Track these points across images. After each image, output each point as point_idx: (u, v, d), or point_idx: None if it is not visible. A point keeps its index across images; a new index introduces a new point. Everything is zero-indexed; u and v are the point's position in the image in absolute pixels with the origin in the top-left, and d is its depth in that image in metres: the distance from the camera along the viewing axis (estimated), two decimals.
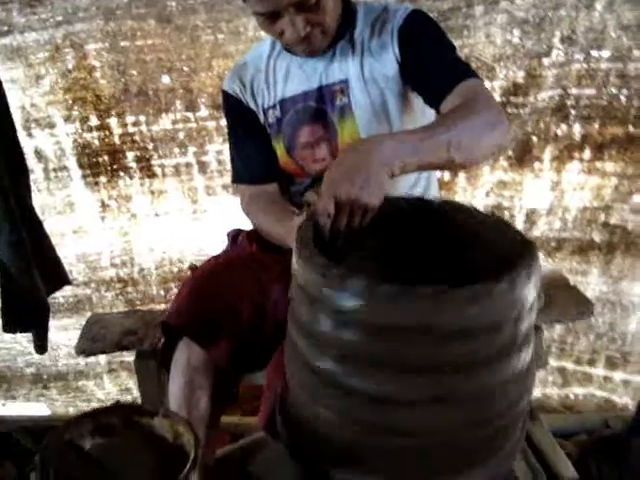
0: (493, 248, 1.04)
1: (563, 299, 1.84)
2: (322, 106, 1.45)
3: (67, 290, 2.29)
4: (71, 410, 2.65)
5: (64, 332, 2.45)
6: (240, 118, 1.55)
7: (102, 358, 2.54)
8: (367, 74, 1.40)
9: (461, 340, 0.85)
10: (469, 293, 0.82)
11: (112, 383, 2.59)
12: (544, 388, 2.57)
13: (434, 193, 1.61)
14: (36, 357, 2.51)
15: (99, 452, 0.98)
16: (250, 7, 1.30)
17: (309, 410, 1.00)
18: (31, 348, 2.47)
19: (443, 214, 1.13)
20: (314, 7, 1.27)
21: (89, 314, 2.34)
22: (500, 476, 1.02)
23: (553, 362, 2.52)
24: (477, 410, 0.91)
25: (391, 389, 0.89)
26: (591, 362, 2.49)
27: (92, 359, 2.53)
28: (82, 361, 2.52)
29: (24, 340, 2.45)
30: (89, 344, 1.73)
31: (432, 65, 1.31)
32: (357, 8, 1.42)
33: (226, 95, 1.53)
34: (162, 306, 2.33)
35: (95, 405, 2.69)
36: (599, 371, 2.50)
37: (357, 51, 1.40)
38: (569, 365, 2.52)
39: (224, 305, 1.38)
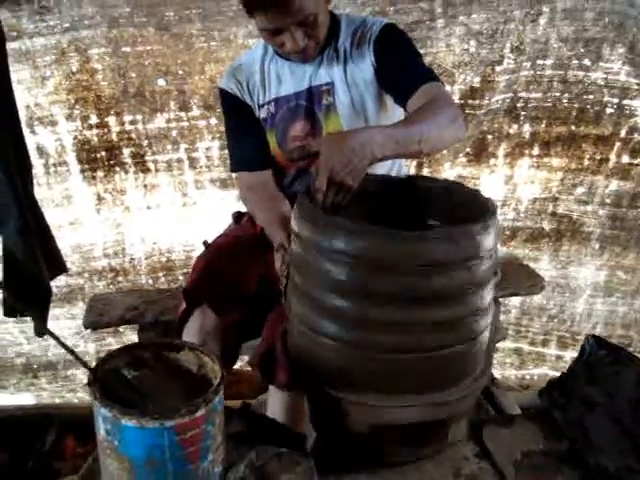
0: (460, 206, 1.24)
1: (517, 275, 2.07)
2: (311, 105, 1.62)
3: (61, 280, 2.42)
4: (57, 400, 2.75)
5: (55, 321, 2.53)
6: (238, 112, 1.68)
7: (91, 347, 2.65)
8: (349, 78, 1.57)
9: (436, 274, 1.03)
10: (441, 234, 1.03)
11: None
12: (503, 370, 2.78)
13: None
14: (26, 347, 2.61)
15: (135, 381, 1.08)
16: (256, 23, 1.47)
17: (308, 337, 1.17)
18: (22, 339, 2.60)
19: (414, 184, 1.34)
20: (312, 24, 1.44)
21: (81, 304, 2.49)
22: (473, 393, 1.21)
23: (510, 344, 2.74)
24: (453, 334, 1.10)
25: (376, 314, 1.06)
26: (544, 343, 2.72)
27: (81, 348, 2.64)
28: None
29: (15, 330, 2.56)
30: (96, 318, 1.88)
31: (400, 70, 1.48)
32: (340, 20, 1.60)
33: (224, 93, 1.67)
34: None
35: (82, 395, 2.79)
36: (552, 351, 2.73)
37: (341, 58, 1.57)
38: (525, 346, 2.75)
39: (235, 278, 1.56)
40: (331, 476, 1.19)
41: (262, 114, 1.68)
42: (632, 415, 1.22)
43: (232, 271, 1.58)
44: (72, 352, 1.05)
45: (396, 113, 1.65)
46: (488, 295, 1.16)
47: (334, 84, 1.58)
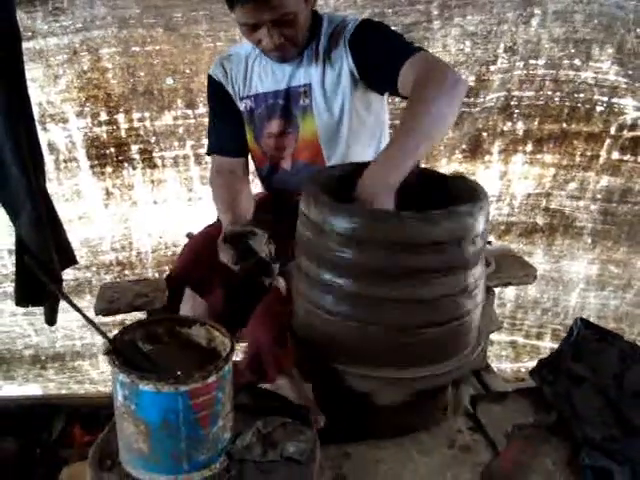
0: (455, 192, 1.31)
1: (510, 265, 2.12)
2: (288, 104, 1.65)
3: (69, 274, 2.47)
4: (64, 391, 2.81)
5: (62, 314, 2.60)
6: (219, 99, 1.74)
7: (98, 338, 2.71)
8: (327, 82, 1.58)
9: (432, 252, 1.12)
10: (439, 215, 1.12)
11: (106, 363, 2.74)
12: (499, 363, 2.84)
13: None
14: (35, 339, 2.68)
15: (150, 354, 1.16)
16: (236, 17, 1.51)
17: (313, 314, 1.26)
18: (30, 331, 2.66)
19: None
20: (289, 23, 1.46)
21: (88, 297, 2.54)
22: (464, 367, 1.30)
23: (505, 337, 2.80)
24: (446, 310, 1.19)
25: (379, 292, 1.15)
26: (539, 335, 2.79)
27: (88, 340, 2.71)
28: (78, 342, 2.70)
29: (24, 323, 2.62)
30: (106, 305, 1.93)
31: (380, 58, 1.46)
32: (322, 20, 1.60)
33: (210, 79, 1.74)
34: None
35: (88, 387, 2.85)
36: (546, 343, 2.80)
37: (319, 60, 1.58)
38: (520, 339, 2.82)
39: (218, 262, 1.60)
40: (332, 445, 1.27)
41: (241, 107, 1.75)
42: (616, 388, 1.29)
43: (215, 255, 1.62)
44: (92, 322, 1.13)
45: (379, 116, 1.69)
46: (481, 275, 1.23)
47: (311, 86, 1.60)
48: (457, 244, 1.14)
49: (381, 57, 1.46)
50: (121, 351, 1.09)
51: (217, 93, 1.75)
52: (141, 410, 1.03)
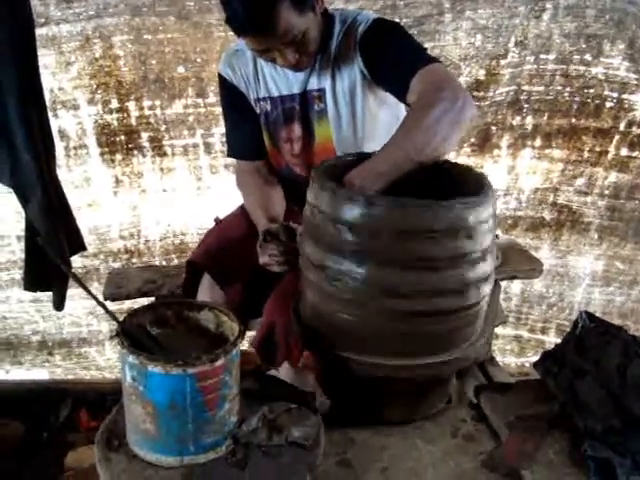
0: (462, 183, 1.31)
1: (517, 259, 2.14)
2: (304, 109, 1.61)
3: (76, 261, 2.46)
4: (70, 376, 2.83)
5: (70, 302, 2.61)
6: (233, 100, 1.69)
7: (104, 326, 2.73)
8: (340, 85, 1.55)
9: (440, 241, 1.12)
10: (448, 204, 1.12)
11: (113, 350, 2.78)
12: (503, 357, 2.84)
13: None
14: (42, 325, 2.70)
15: (159, 337, 1.18)
16: (246, 44, 1.47)
17: (321, 304, 1.27)
18: (38, 317, 2.69)
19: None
20: (301, 41, 1.41)
21: (96, 284, 2.56)
22: (469, 357, 1.31)
23: (511, 331, 2.81)
24: (453, 300, 1.19)
25: (386, 280, 1.15)
26: (544, 330, 2.79)
27: (95, 327, 2.73)
28: (85, 329, 2.72)
29: (31, 309, 2.64)
30: (115, 290, 1.97)
31: (390, 66, 1.41)
32: (334, 20, 1.53)
33: (221, 78, 1.69)
34: None
35: (94, 373, 2.88)
36: (551, 338, 2.80)
37: (331, 64, 1.54)
38: (525, 333, 2.82)
39: (241, 253, 1.62)
40: (336, 431, 1.29)
41: (256, 109, 1.68)
42: (618, 381, 1.29)
43: (240, 247, 1.64)
44: (102, 304, 1.14)
45: (395, 110, 1.65)
46: (490, 265, 1.24)
47: (325, 90, 1.57)
48: (466, 234, 1.15)
49: (392, 64, 1.41)
50: (130, 333, 1.11)
51: (230, 93, 1.70)
52: (149, 391, 1.05)
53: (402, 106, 1.66)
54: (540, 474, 1.17)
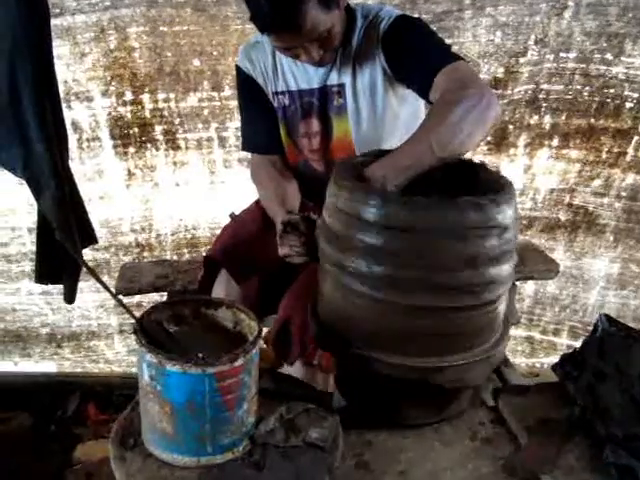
0: (485, 183, 1.30)
1: (533, 259, 2.13)
2: (323, 104, 1.63)
3: (87, 254, 2.45)
4: (78, 369, 2.82)
5: (79, 295, 2.60)
6: (251, 93, 1.67)
7: (114, 320, 2.72)
8: (360, 82, 1.54)
9: (463, 239, 1.11)
10: (469, 202, 1.10)
11: (122, 343, 2.78)
12: (514, 358, 2.81)
13: None
14: (51, 318, 2.70)
15: (176, 335, 1.17)
16: (269, 41, 1.46)
17: (339, 300, 1.25)
18: (47, 310, 2.68)
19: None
20: (326, 38, 1.40)
21: (106, 278, 2.55)
22: (492, 355, 1.28)
23: (522, 332, 2.79)
24: (475, 298, 1.17)
25: (405, 278, 1.14)
26: (556, 332, 2.77)
27: (104, 320, 2.72)
28: (94, 322, 2.72)
29: (41, 302, 2.64)
30: (128, 284, 1.96)
31: (413, 64, 1.39)
32: (356, 13, 1.52)
33: (239, 70, 1.67)
34: None
35: (103, 366, 2.87)
36: (563, 340, 2.78)
37: (352, 59, 1.52)
38: (537, 335, 2.80)
39: (259, 250, 1.62)
40: (353, 433, 1.27)
41: (274, 103, 1.69)
42: None
43: (257, 243, 1.64)
44: (119, 300, 1.13)
45: (416, 108, 1.64)
46: (509, 265, 1.22)
47: (345, 86, 1.56)
48: (485, 233, 1.13)
49: (416, 61, 1.39)
50: (147, 331, 1.10)
51: (248, 86, 1.68)
52: (167, 391, 1.03)
53: (422, 104, 1.65)
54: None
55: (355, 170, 1.25)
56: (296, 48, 1.42)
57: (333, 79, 1.57)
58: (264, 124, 1.70)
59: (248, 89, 1.69)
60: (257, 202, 1.81)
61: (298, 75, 1.61)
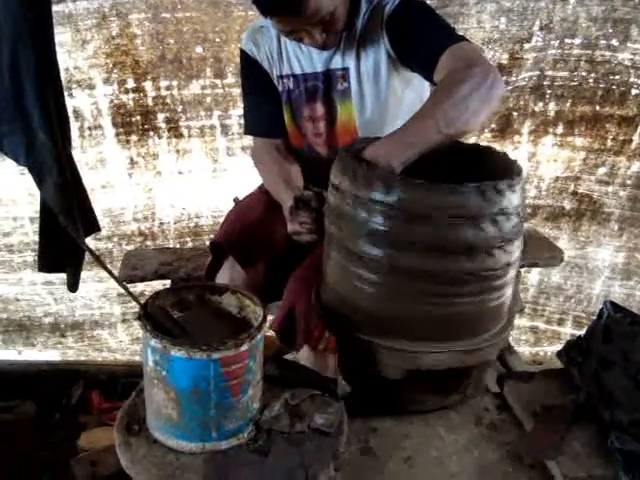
0: (491, 167, 1.29)
1: (537, 246, 2.12)
2: (327, 87, 1.62)
3: (90, 243, 2.43)
4: (82, 358, 2.83)
5: (82, 284, 2.59)
6: (255, 77, 1.67)
7: (117, 309, 2.72)
8: (364, 65, 1.53)
9: (466, 226, 1.10)
10: (472, 188, 1.09)
11: (125, 332, 2.78)
12: (517, 347, 2.81)
13: None
14: (54, 307, 2.69)
15: (181, 320, 1.15)
16: (272, 24, 1.45)
17: (343, 285, 1.24)
18: (50, 299, 2.68)
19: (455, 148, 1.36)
20: (329, 21, 1.40)
21: (109, 267, 2.54)
22: (496, 344, 1.28)
23: (526, 322, 2.78)
24: (481, 283, 1.16)
25: (412, 264, 1.13)
26: (560, 322, 2.76)
27: (107, 310, 2.72)
28: (97, 311, 2.71)
29: (44, 292, 2.63)
30: (131, 272, 1.95)
31: (417, 46, 1.39)
32: None
33: (243, 53, 1.67)
34: None
35: (106, 355, 2.87)
36: (567, 330, 2.77)
37: (356, 43, 1.51)
38: (541, 324, 2.79)
39: (264, 234, 1.62)
40: (358, 419, 1.27)
41: (279, 86, 1.69)
42: None
43: (262, 227, 1.64)
44: (125, 287, 1.12)
45: (420, 91, 1.63)
46: (515, 252, 1.21)
47: (349, 69, 1.55)
48: (491, 219, 1.12)
49: (420, 42, 1.38)
50: (152, 316, 1.09)
51: (252, 70, 1.68)
52: (172, 376, 1.03)
53: (426, 88, 1.64)
54: (566, 465, 1.15)
55: (359, 153, 1.24)
56: (299, 31, 1.42)
57: (337, 63, 1.57)
58: (268, 108, 1.69)
59: (252, 72, 1.68)
60: (260, 187, 1.80)
61: (302, 59, 1.61)
